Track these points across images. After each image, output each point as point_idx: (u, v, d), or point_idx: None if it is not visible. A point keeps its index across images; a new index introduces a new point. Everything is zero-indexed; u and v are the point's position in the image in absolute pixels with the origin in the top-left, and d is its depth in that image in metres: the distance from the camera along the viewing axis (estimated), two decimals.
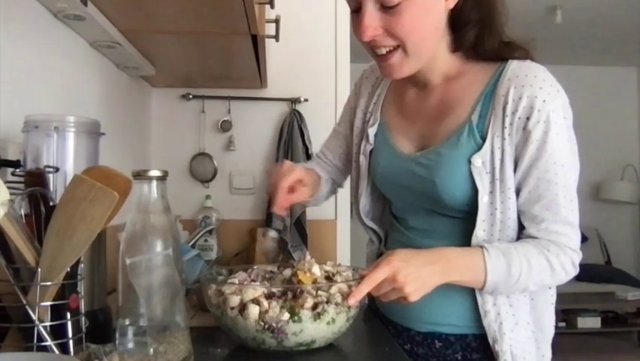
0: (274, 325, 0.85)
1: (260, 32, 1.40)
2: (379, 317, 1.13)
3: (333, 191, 1.36)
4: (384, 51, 0.95)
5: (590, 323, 4.41)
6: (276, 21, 1.52)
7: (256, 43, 1.48)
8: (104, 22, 1.27)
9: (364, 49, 0.98)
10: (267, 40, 1.54)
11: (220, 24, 1.33)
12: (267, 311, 0.86)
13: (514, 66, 0.96)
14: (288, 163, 1.13)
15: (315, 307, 0.87)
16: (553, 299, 1.05)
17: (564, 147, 0.94)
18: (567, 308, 4.38)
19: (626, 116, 5.63)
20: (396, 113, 1.11)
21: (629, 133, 5.64)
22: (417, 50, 0.95)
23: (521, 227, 0.98)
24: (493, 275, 0.92)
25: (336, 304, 0.88)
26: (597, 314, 4.44)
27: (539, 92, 0.92)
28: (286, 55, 2.07)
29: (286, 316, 0.85)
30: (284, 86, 2.13)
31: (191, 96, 2.13)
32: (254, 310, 0.86)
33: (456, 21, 0.97)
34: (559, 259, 0.94)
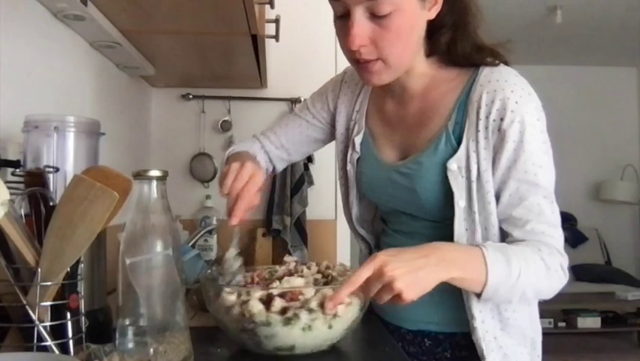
0: (247, 326, 0.85)
1: (260, 32, 1.40)
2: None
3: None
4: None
5: (590, 323, 4.41)
6: (276, 21, 1.52)
7: (256, 43, 1.48)
8: (104, 22, 1.27)
9: (344, 54, 0.98)
10: (267, 40, 1.54)
11: (220, 24, 1.33)
12: (243, 313, 0.85)
13: (486, 72, 0.97)
14: (250, 165, 0.96)
15: (284, 311, 0.84)
16: (538, 318, 1.05)
17: (540, 148, 0.93)
18: (567, 308, 4.38)
19: (626, 116, 5.63)
20: (379, 122, 1.12)
21: (629, 133, 5.64)
22: (398, 61, 0.96)
23: (504, 236, 0.95)
24: (494, 273, 0.86)
25: (310, 310, 0.83)
26: (597, 314, 4.44)
27: (511, 95, 0.92)
28: (286, 55, 2.07)
29: (259, 318, 0.83)
30: (284, 86, 2.13)
31: (191, 96, 2.13)
32: (235, 311, 0.86)
33: (431, 25, 0.98)
34: (551, 258, 0.91)
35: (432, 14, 0.95)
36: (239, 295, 0.87)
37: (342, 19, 0.93)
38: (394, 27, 0.90)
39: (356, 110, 1.16)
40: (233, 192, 0.94)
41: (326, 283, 0.95)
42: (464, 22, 0.97)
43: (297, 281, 0.93)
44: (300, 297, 0.84)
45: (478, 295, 0.89)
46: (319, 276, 0.99)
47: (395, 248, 0.86)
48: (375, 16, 0.90)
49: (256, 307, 0.84)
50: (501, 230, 0.95)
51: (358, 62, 0.96)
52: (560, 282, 0.93)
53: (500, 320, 0.98)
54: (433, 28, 0.98)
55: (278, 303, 0.84)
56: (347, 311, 0.87)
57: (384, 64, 0.95)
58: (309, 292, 0.85)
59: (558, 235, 0.94)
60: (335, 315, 0.85)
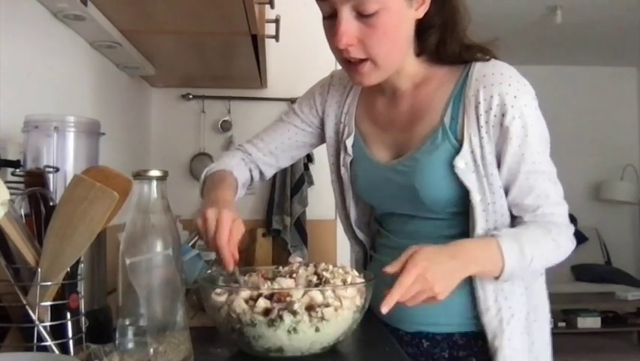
0: (234, 326, 0.84)
1: (260, 32, 1.40)
2: None
3: (249, 186, 1.25)
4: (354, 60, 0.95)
5: (590, 323, 4.41)
6: (276, 21, 1.52)
7: (256, 43, 1.48)
8: (104, 22, 1.27)
9: (334, 55, 0.98)
10: (267, 40, 1.54)
11: (220, 24, 1.33)
12: (230, 314, 0.84)
13: (479, 67, 0.98)
14: (227, 214, 0.93)
15: (267, 312, 0.83)
16: (544, 285, 1.07)
17: (540, 136, 0.98)
18: (567, 308, 4.38)
19: (626, 116, 5.63)
20: (370, 123, 1.12)
21: (629, 133, 5.63)
22: (387, 61, 0.96)
23: (513, 217, 1.01)
24: (510, 262, 0.93)
25: (293, 312, 0.82)
26: (597, 314, 4.44)
27: (509, 89, 0.94)
28: (286, 55, 2.07)
29: (244, 318, 0.83)
30: (284, 86, 2.13)
31: (191, 96, 2.13)
32: (223, 311, 0.85)
33: (419, 26, 0.99)
34: (561, 236, 0.98)
35: (419, 14, 0.96)
36: (229, 295, 0.86)
37: (330, 20, 0.94)
38: (381, 26, 0.91)
39: (344, 113, 1.15)
40: (220, 245, 0.91)
41: (318, 285, 0.93)
42: (452, 23, 0.98)
43: (286, 282, 0.91)
44: (287, 298, 0.83)
45: (496, 278, 0.96)
46: (314, 278, 0.96)
47: (428, 249, 0.89)
48: (361, 15, 0.91)
49: (240, 306, 0.84)
50: (510, 212, 1.00)
51: (348, 63, 0.97)
52: (568, 252, 1.00)
53: (510, 306, 0.99)
54: (421, 29, 0.99)
55: (261, 303, 0.83)
56: (336, 315, 0.84)
57: (373, 64, 0.95)
58: (297, 293, 0.84)
59: (564, 211, 1.01)
60: (322, 318, 0.83)
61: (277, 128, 1.23)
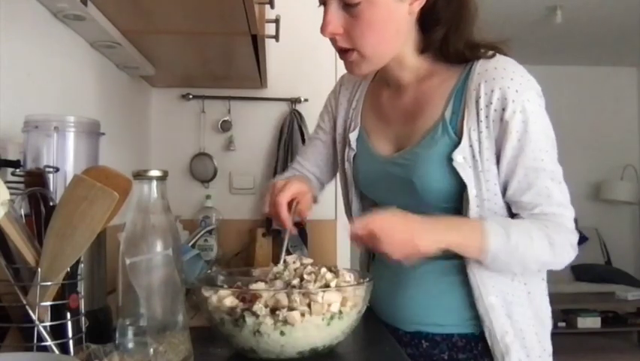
0: (212, 323, 0.85)
1: (260, 32, 1.40)
2: None
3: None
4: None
5: (590, 323, 4.42)
6: (276, 21, 1.52)
7: (256, 43, 1.48)
8: (104, 22, 1.27)
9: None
10: (267, 40, 1.54)
11: (220, 24, 1.33)
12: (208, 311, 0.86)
13: (482, 61, 0.98)
14: (281, 180, 1.05)
15: (230, 312, 0.83)
16: (546, 291, 1.06)
17: (544, 133, 0.96)
18: (567, 308, 4.38)
19: (626, 116, 5.64)
20: (374, 116, 1.12)
21: (629, 133, 5.64)
22: (374, 53, 0.97)
23: (512, 215, 0.99)
24: (493, 241, 0.91)
25: (254, 313, 0.81)
26: (597, 314, 4.45)
27: (511, 83, 0.93)
28: (286, 55, 2.07)
29: (214, 316, 0.84)
30: (284, 86, 2.13)
31: (191, 96, 2.13)
32: (205, 308, 0.87)
33: (426, 21, 0.99)
34: (558, 235, 0.94)
35: (415, 8, 0.95)
36: (214, 293, 0.87)
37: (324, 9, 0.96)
38: (365, 17, 0.93)
39: (352, 108, 1.17)
40: (269, 205, 1.05)
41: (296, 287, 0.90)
42: (457, 21, 0.97)
43: (258, 285, 0.91)
44: (259, 300, 0.82)
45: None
46: (297, 280, 0.91)
47: (393, 217, 0.93)
48: (347, 6, 0.93)
49: (212, 304, 0.84)
50: (509, 211, 0.98)
51: (340, 52, 0.99)
52: (568, 257, 0.96)
53: (509, 306, 0.99)
54: (428, 25, 0.99)
55: (226, 303, 0.83)
56: (302, 320, 0.81)
57: (360, 55, 0.97)
58: (267, 294, 0.83)
59: (568, 214, 0.97)
60: (285, 322, 0.81)
61: (307, 149, 1.27)
